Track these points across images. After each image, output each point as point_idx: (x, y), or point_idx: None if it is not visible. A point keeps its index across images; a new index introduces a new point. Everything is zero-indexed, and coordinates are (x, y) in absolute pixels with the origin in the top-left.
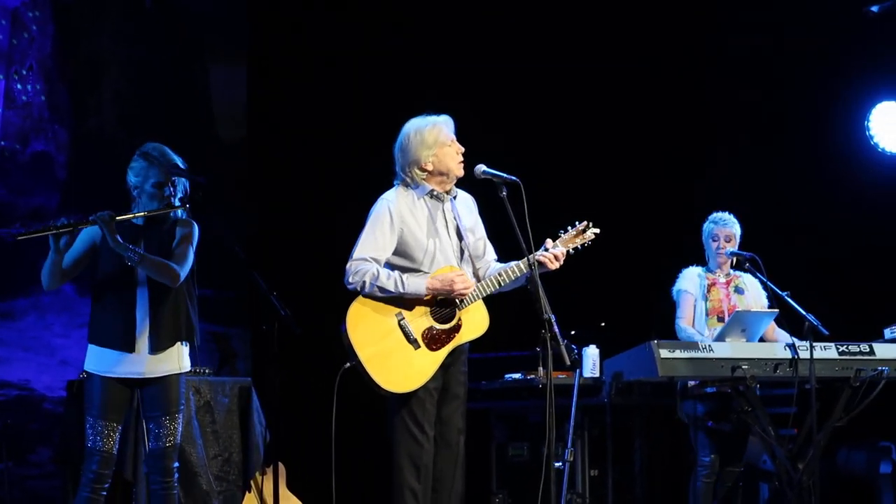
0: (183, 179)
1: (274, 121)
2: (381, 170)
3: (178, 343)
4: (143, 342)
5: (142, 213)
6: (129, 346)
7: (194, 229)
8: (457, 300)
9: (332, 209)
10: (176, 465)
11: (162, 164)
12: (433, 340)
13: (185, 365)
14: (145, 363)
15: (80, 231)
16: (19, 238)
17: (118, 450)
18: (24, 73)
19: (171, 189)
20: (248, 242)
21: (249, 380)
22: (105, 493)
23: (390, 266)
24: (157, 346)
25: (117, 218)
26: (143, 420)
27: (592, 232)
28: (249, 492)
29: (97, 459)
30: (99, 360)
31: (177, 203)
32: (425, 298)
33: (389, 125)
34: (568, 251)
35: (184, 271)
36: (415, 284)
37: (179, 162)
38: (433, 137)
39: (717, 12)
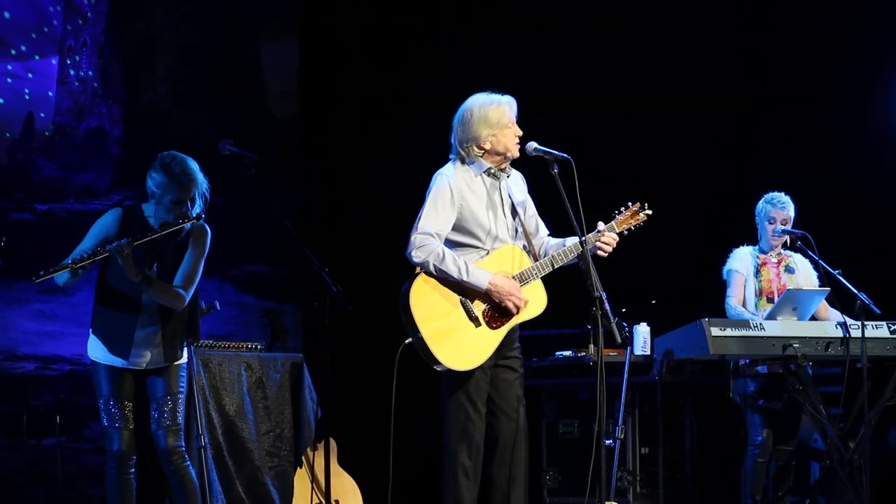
0: (203, 192)
1: (326, 97)
2: (433, 147)
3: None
4: (143, 354)
5: (157, 234)
6: (123, 355)
7: (207, 241)
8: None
9: (383, 186)
10: (181, 445)
11: (182, 182)
12: (494, 319)
13: (184, 356)
14: (146, 362)
15: (97, 261)
16: (37, 280)
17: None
18: (78, 57)
19: (190, 205)
20: (299, 218)
21: (301, 356)
22: (134, 470)
23: (450, 243)
24: (163, 358)
25: (134, 244)
26: (149, 404)
27: (645, 214)
28: (300, 467)
29: (116, 437)
30: (102, 351)
31: (193, 215)
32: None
33: (442, 102)
34: (621, 233)
35: (189, 295)
36: (477, 277)
37: (201, 178)
38: (496, 117)
39: None
